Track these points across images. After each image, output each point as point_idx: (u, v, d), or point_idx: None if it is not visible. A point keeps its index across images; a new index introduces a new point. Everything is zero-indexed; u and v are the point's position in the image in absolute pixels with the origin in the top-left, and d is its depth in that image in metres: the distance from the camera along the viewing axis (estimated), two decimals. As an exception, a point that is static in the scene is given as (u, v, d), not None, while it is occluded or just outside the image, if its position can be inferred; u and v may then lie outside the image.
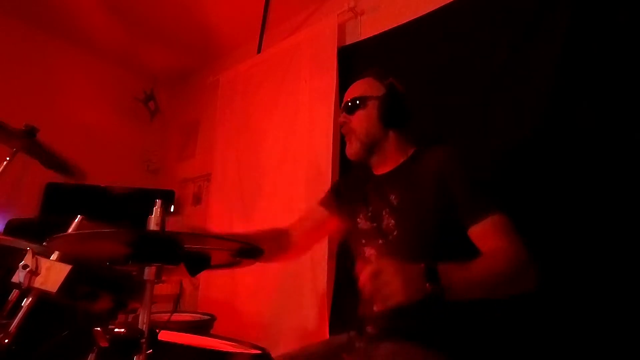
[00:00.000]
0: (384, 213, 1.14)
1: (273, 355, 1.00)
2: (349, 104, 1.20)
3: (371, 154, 1.20)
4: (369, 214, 1.18)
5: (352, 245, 1.24)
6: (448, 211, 1.03)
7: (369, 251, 1.16)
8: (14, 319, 0.92)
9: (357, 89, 1.22)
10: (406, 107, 1.17)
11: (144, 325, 0.72)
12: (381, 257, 1.08)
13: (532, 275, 0.92)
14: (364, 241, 1.18)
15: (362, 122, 1.17)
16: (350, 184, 1.33)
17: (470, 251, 0.97)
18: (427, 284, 0.82)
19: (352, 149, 1.19)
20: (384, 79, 1.19)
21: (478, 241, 0.99)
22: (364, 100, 1.18)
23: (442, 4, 1.77)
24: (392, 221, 1.11)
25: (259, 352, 0.99)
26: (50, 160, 1.43)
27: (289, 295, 1.97)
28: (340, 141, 1.95)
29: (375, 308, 1.04)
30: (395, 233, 1.10)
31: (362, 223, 1.20)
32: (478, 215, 0.99)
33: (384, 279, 0.81)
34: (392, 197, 1.13)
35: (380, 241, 1.13)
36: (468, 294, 0.88)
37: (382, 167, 1.21)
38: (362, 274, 0.84)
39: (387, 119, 1.15)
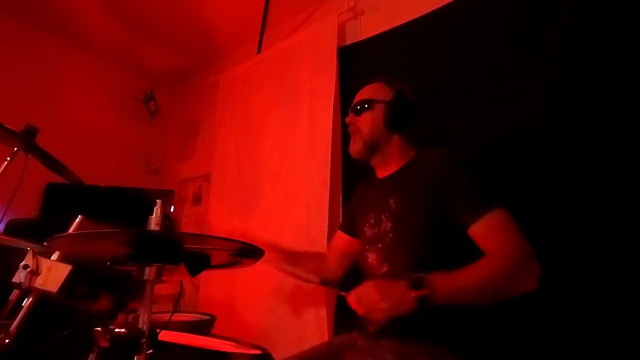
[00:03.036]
0: (383, 217, 1.15)
1: (273, 356, 1.00)
2: (357, 106, 1.24)
3: (372, 154, 1.23)
4: (372, 221, 1.20)
5: (360, 254, 1.25)
6: (444, 214, 1.03)
7: (371, 257, 1.17)
8: (15, 319, 0.92)
9: (366, 92, 1.26)
10: (412, 113, 1.21)
11: (144, 325, 0.72)
12: (366, 280, 1.12)
13: (534, 273, 0.90)
14: (367, 247, 1.20)
15: (367, 123, 1.21)
16: (359, 195, 1.36)
17: (472, 253, 0.96)
18: (413, 293, 0.85)
19: (355, 147, 1.23)
20: (393, 85, 1.23)
21: (479, 240, 0.98)
22: (371, 102, 1.22)
23: (442, 4, 1.77)
24: (389, 224, 1.13)
25: (259, 352, 0.99)
26: (49, 162, 1.43)
27: (289, 296, 1.97)
28: (341, 141, 1.96)
29: (370, 328, 1.08)
30: (390, 235, 1.12)
31: (368, 230, 1.21)
32: (476, 213, 0.98)
33: (367, 300, 0.88)
34: (391, 200, 1.15)
35: (379, 245, 1.14)
36: (457, 300, 0.89)
37: (385, 170, 1.23)
38: (349, 300, 0.92)
39: (392, 123, 1.19)
